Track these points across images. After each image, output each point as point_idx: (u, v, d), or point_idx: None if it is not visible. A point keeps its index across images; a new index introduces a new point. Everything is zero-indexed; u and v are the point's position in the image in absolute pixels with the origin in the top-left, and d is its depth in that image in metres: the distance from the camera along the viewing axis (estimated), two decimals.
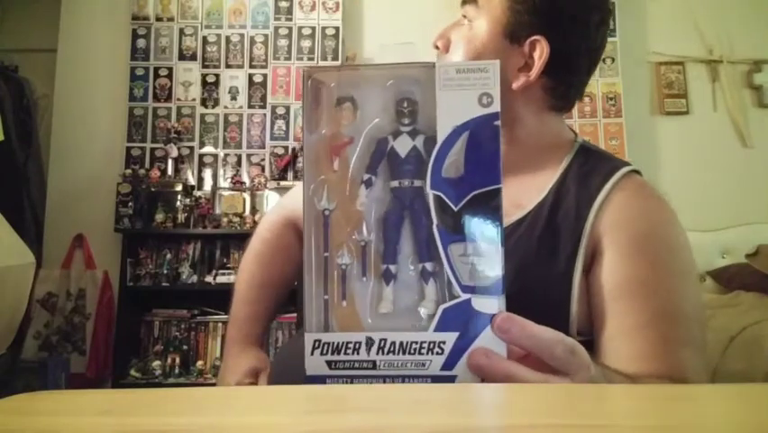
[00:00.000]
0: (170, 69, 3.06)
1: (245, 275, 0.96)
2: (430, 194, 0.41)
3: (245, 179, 2.98)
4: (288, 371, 0.80)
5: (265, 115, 3.03)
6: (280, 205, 1.06)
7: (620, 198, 0.70)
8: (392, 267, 0.41)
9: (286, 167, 2.97)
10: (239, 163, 3.01)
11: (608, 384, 0.43)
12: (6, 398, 0.32)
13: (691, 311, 0.66)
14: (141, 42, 3.07)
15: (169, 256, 2.85)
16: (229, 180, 2.96)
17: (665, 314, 0.64)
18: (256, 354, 0.87)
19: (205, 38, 3.09)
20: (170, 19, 3.10)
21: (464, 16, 0.77)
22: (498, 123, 0.40)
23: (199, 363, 2.76)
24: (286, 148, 3.00)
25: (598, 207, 0.70)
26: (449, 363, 0.39)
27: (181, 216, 2.83)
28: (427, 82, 0.41)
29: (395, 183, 0.41)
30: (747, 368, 1.80)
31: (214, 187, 2.96)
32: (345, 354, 0.40)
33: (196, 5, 3.11)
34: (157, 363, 2.73)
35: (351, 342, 0.40)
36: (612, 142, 3.02)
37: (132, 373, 2.72)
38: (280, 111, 3.04)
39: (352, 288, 0.41)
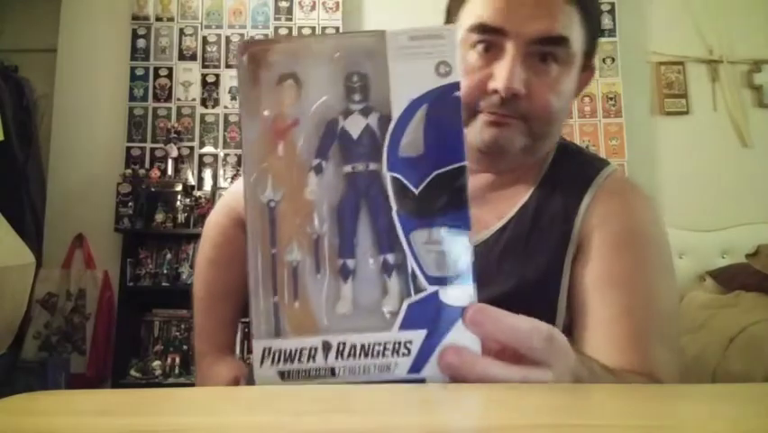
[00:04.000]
0: (170, 69, 3.06)
1: (202, 284, 0.92)
2: (387, 177, 0.37)
3: None
4: None
5: None
6: (225, 205, 0.96)
7: (607, 197, 0.71)
8: (350, 261, 0.36)
9: None
10: (239, 163, 3.00)
11: (590, 384, 0.42)
12: (6, 398, 0.32)
13: (666, 308, 0.67)
14: (141, 42, 3.07)
15: (169, 256, 2.85)
16: (229, 180, 2.96)
17: (640, 308, 0.64)
18: (230, 362, 0.87)
19: (205, 38, 3.09)
20: (170, 19, 3.10)
21: (549, 54, 0.69)
22: (459, 94, 0.37)
23: None
24: None
25: (585, 208, 0.71)
26: (417, 365, 0.35)
27: (181, 216, 2.83)
28: (378, 53, 0.37)
29: (348, 168, 0.37)
30: (747, 368, 1.80)
31: (214, 187, 2.96)
32: (300, 361, 0.35)
33: (196, 5, 3.11)
34: (157, 363, 2.73)
35: (305, 348, 0.35)
36: (612, 142, 3.01)
37: (132, 372, 2.72)
38: None
39: (305, 286, 0.36)
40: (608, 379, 0.49)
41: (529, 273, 0.68)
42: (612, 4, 3.08)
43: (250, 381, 0.82)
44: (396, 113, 0.37)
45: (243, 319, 2.90)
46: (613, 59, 3.06)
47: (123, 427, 0.28)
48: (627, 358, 0.60)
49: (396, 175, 0.37)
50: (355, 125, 0.37)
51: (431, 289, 0.36)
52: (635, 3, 3.14)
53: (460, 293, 0.36)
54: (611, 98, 3.05)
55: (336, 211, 0.37)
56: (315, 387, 0.35)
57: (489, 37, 0.67)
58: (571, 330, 0.67)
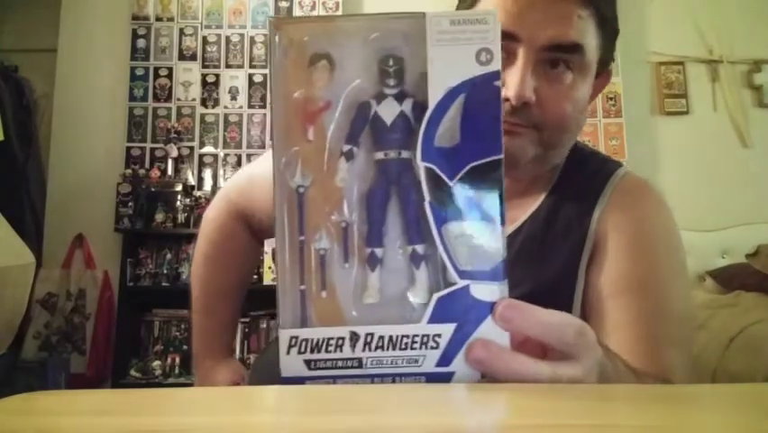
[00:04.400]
0: (170, 69, 3.06)
1: (199, 282, 0.90)
2: (421, 166, 0.35)
3: None
4: (266, 382, 0.80)
5: (265, 114, 3.03)
6: (224, 198, 0.93)
7: (621, 199, 0.71)
8: (378, 251, 0.36)
9: None
10: (239, 163, 3.00)
11: (609, 382, 0.42)
12: (6, 398, 0.32)
13: (681, 312, 0.67)
14: (141, 42, 3.07)
15: (169, 256, 2.85)
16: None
17: (655, 312, 0.64)
18: (229, 365, 0.86)
19: (205, 38, 3.09)
20: (170, 19, 3.10)
21: (562, 61, 0.67)
22: (499, 83, 0.35)
23: None
24: None
25: (600, 211, 0.70)
26: (445, 359, 0.35)
27: (181, 216, 2.83)
28: (416, 36, 0.35)
29: (380, 155, 0.36)
30: (747, 368, 1.80)
31: (214, 187, 2.96)
32: (326, 351, 0.35)
33: (196, 5, 3.11)
34: (157, 363, 2.73)
35: (332, 338, 0.35)
36: (612, 142, 3.02)
37: (132, 372, 2.72)
38: None
39: (333, 276, 0.35)
40: (630, 377, 0.49)
41: (543, 277, 0.68)
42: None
43: (251, 383, 0.82)
44: (432, 101, 0.35)
45: (243, 319, 2.88)
46: (613, 59, 3.05)
47: (123, 427, 0.28)
48: (642, 362, 0.59)
49: (430, 165, 0.35)
50: (389, 111, 0.36)
51: (461, 283, 0.35)
52: (635, 3, 3.14)
53: (491, 288, 0.35)
54: (611, 98, 3.05)
55: (366, 199, 0.36)
56: (314, 387, 0.35)
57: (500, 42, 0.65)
58: None
